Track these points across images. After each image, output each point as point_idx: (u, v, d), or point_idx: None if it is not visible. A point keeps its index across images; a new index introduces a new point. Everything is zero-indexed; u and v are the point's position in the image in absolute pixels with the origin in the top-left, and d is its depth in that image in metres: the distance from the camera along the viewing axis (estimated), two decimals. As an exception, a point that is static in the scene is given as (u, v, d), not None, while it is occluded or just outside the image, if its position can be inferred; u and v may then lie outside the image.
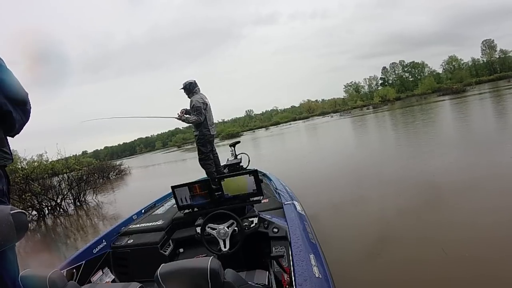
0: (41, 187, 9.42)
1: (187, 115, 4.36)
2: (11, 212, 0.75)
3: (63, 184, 10.06)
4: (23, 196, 8.78)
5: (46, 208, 9.46)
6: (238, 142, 5.08)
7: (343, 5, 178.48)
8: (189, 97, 4.40)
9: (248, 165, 4.69)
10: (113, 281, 2.47)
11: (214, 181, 2.53)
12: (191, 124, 4.39)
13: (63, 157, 11.39)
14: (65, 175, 10.46)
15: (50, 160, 11.30)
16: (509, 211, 3.20)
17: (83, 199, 10.30)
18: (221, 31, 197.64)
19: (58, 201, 9.66)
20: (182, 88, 4.40)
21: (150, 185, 11.79)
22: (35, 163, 11.09)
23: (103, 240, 2.62)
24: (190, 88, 4.39)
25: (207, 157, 4.42)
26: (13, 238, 0.75)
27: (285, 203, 2.67)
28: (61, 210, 9.50)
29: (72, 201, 10.08)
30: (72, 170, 10.78)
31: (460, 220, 3.27)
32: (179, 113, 4.35)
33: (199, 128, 4.36)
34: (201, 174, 4.69)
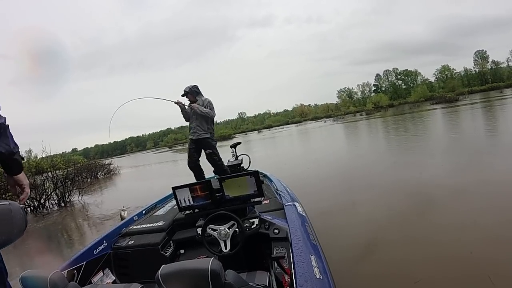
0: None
1: (197, 105, 4.37)
2: (20, 206, 0.78)
3: (47, 183, 9.54)
4: (4, 196, 8.24)
5: (28, 209, 8.95)
6: (239, 143, 5.04)
7: (338, 11, 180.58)
8: (195, 100, 4.43)
9: (249, 166, 4.63)
10: (114, 282, 2.46)
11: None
12: (191, 120, 4.40)
13: (48, 155, 10.88)
14: (49, 173, 9.94)
15: (39, 157, 10.84)
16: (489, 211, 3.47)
17: (68, 200, 9.79)
18: (215, 32, 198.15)
19: (42, 201, 9.15)
20: (185, 94, 4.41)
21: (140, 186, 11.39)
22: (23, 160, 10.55)
23: (104, 241, 2.59)
24: (197, 91, 4.46)
25: (219, 157, 4.51)
26: (23, 230, 0.76)
27: (286, 204, 2.66)
28: (44, 210, 8.99)
29: (56, 201, 9.57)
30: (57, 168, 10.26)
31: (449, 221, 3.43)
32: (184, 103, 4.42)
33: (211, 128, 4.48)
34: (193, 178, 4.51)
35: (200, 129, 4.40)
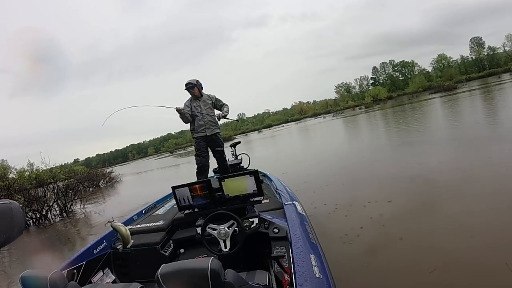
0: (25, 199, 8.85)
1: (221, 113, 4.38)
2: (20, 205, 0.75)
3: (48, 194, 9.47)
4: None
5: (30, 221, 8.88)
6: (239, 142, 5.01)
7: (333, 7, 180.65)
8: (201, 94, 4.36)
9: (248, 166, 4.60)
10: (114, 281, 2.48)
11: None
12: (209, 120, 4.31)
13: (47, 167, 10.82)
14: (50, 185, 9.88)
15: (41, 168, 10.82)
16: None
17: (70, 210, 9.70)
18: (211, 35, 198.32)
19: (44, 212, 9.06)
20: (191, 87, 4.25)
21: (141, 192, 11.32)
22: (26, 172, 10.57)
23: (104, 241, 2.61)
24: (202, 85, 4.37)
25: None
26: (23, 228, 0.73)
27: (286, 203, 2.66)
28: (47, 222, 8.90)
29: (58, 212, 9.49)
30: (57, 180, 10.19)
31: (460, 208, 3.38)
32: (218, 114, 4.39)
33: (218, 125, 4.39)
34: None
35: (213, 124, 4.32)
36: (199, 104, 4.32)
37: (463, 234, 2.82)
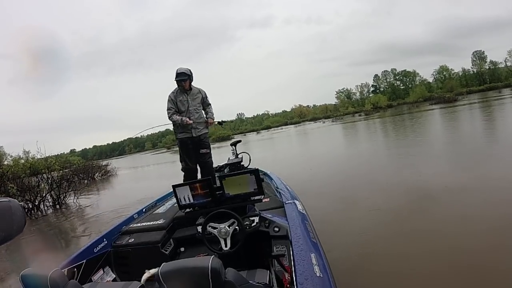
0: (17, 188, 8.70)
1: (209, 115, 4.10)
2: (20, 203, 0.78)
3: (42, 184, 9.32)
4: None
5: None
6: (239, 141, 4.99)
7: (338, 12, 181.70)
8: (191, 87, 3.87)
9: (249, 164, 4.53)
10: (114, 280, 2.47)
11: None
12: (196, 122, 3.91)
13: (42, 156, 10.67)
14: (44, 175, 9.73)
15: (36, 157, 10.71)
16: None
17: (63, 202, 9.57)
18: (215, 33, 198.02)
19: (36, 203, 8.93)
20: (185, 78, 3.72)
21: (137, 188, 11.22)
22: (21, 160, 10.43)
23: (104, 239, 2.61)
24: (193, 75, 3.87)
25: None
26: (23, 226, 0.75)
27: (286, 202, 2.67)
28: (39, 213, 8.78)
29: (51, 203, 9.36)
30: (52, 170, 10.04)
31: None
32: (210, 122, 4.10)
33: (207, 125, 4.09)
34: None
35: (201, 124, 3.92)
36: (186, 99, 3.81)
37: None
